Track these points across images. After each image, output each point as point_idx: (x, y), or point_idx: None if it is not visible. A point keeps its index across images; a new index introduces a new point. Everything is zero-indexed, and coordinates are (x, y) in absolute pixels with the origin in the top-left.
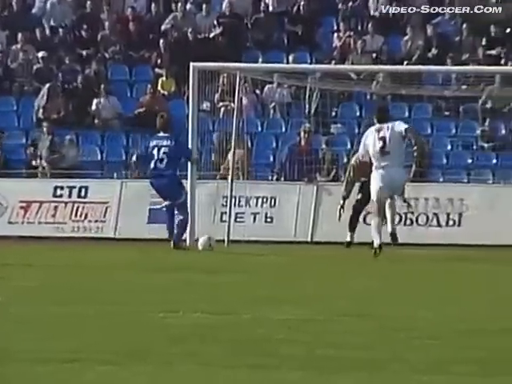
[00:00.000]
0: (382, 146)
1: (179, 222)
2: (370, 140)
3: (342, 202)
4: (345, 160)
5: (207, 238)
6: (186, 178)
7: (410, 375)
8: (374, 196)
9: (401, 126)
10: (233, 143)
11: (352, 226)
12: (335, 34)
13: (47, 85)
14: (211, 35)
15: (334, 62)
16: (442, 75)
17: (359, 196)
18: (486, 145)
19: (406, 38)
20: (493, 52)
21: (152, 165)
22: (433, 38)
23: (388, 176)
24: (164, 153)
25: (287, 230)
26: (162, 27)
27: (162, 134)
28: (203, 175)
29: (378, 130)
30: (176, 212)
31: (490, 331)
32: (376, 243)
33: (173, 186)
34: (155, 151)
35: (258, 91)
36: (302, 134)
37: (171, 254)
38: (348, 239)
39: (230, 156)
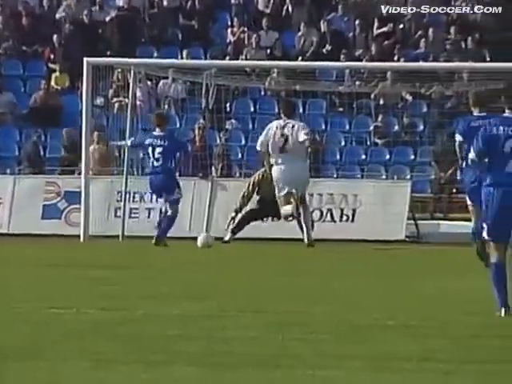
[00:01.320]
0: (283, 144)
1: (167, 219)
2: (273, 134)
3: (233, 214)
4: (239, 156)
5: (205, 235)
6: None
7: (304, 370)
8: (277, 191)
9: (301, 136)
10: (127, 137)
11: (235, 229)
12: (229, 30)
13: None
14: (105, 29)
15: (228, 57)
16: (335, 71)
17: (256, 207)
18: (379, 141)
19: (300, 33)
20: (384, 29)
21: (149, 164)
22: (327, 34)
23: (287, 170)
24: (159, 153)
25: (182, 226)
26: (57, 16)
27: (157, 132)
28: (101, 170)
29: (283, 127)
30: (167, 208)
31: (382, 326)
32: (306, 238)
33: (168, 180)
34: (150, 150)
35: (152, 87)
36: (197, 130)
37: (66, 250)
38: (226, 238)
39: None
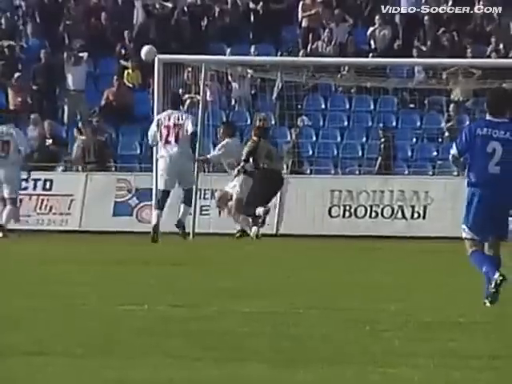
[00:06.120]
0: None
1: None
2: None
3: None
4: (310, 152)
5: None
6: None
7: (374, 368)
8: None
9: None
10: (198, 135)
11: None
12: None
13: None
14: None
15: (301, 53)
16: (406, 68)
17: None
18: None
19: (372, 29)
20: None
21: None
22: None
23: (172, 163)
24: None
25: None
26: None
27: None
28: None
29: (169, 117)
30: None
31: (452, 323)
32: None
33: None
34: None
35: (221, 84)
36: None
37: (137, 247)
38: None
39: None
